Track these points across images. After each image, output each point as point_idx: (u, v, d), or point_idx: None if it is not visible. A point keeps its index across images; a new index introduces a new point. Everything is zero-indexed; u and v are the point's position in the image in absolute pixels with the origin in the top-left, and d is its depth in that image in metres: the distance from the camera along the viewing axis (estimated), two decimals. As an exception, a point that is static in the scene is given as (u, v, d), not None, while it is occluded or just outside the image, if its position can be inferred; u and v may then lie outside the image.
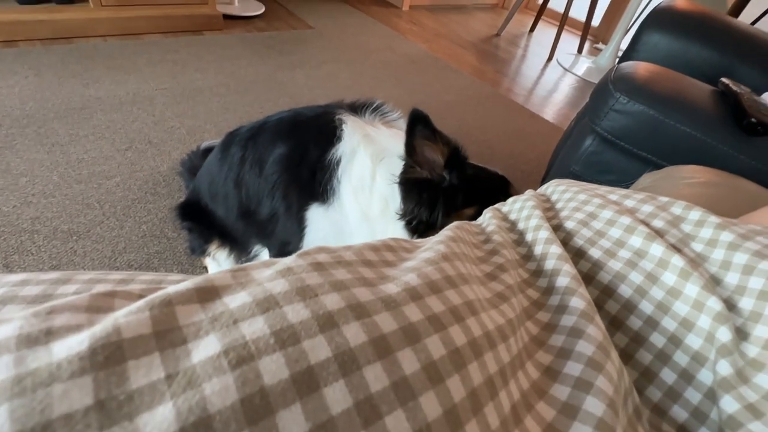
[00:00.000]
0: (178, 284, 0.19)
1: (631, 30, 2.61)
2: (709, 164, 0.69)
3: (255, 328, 0.17)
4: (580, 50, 2.95)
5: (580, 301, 0.28)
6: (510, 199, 0.44)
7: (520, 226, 0.39)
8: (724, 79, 0.90)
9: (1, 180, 1.13)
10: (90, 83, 1.59)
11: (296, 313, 0.18)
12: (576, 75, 2.64)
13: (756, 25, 1.58)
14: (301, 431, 0.15)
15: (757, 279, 0.30)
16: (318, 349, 0.17)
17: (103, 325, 0.16)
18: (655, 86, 0.80)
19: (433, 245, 0.29)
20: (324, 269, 0.22)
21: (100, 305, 0.18)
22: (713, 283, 0.32)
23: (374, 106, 0.85)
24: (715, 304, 0.29)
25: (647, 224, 0.37)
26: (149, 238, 1.09)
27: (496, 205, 0.44)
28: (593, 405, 0.22)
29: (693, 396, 0.28)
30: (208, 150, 1.30)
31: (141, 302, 0.17)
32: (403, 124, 0.85)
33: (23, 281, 0.21)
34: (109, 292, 0.19)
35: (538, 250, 0.34)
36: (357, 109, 0.83)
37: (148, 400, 0.14)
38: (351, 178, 0.73)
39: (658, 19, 1.16)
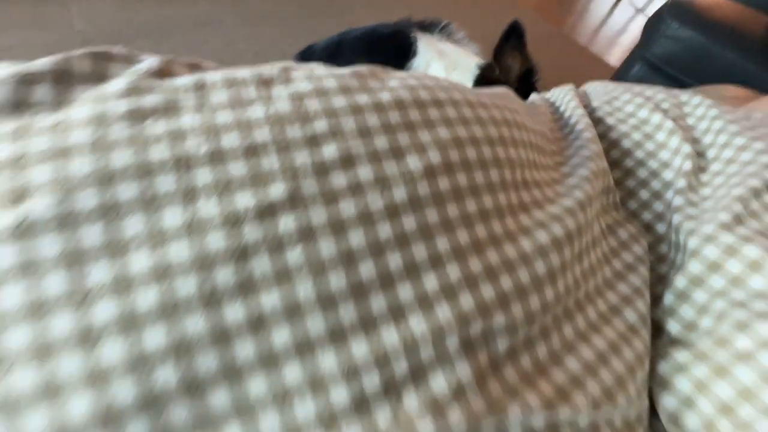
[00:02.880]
0: None
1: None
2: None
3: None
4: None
5: (589, 135, 0.41)
6: (553, 89, 0.52)
7: (560, 106, 0.48)
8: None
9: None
10: (164, 4, 1.73)
11: None
12: (648, 16, 2.46)
13: None
14: None
15: (723, 136, 0.42)
16: None
17: None
18: (708, 13, 0.81)
19: None
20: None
21: None
22: (695, 142, 0.44)
23: (442, 25, 0.92)
24: (687, 149, 0.42)
25: (656, 105, 0.47)
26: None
27: (541, 94, 0.52)
28: (584, 173, 0.36)
29: (659, 206, 0.41)
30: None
31: None
32: (467, 44, 0.92)
33: None
34: None
35: (572, 119, 0.45)
36: (427, 27, 0.90)
37: None
38: None
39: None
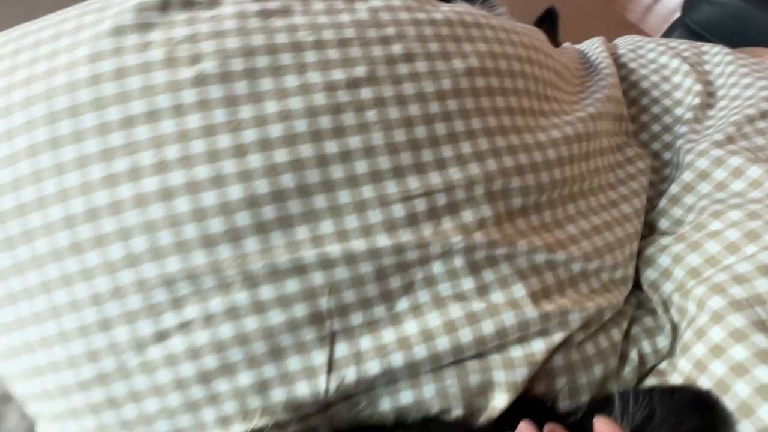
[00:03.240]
0: None
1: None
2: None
3: None
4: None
5: (609, 71, 0.47)
6: (585, 42, 0.58)
7: (588, 53, 0.54)
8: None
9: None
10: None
11: None
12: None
13: None
14: None
15: (733, 78, 0.47)
16: None
17: None
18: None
19: None
20: None
21: None
22: (708, 84, 0.48)
23: None
24: (699, 88, 0.47)
25: (678, 53, 0.51)
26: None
27: (575, 46, 0.59)
28: (599, 96, 0.42)
29: (668, 137, 0.47)
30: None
31: None
32: (506, 20, 0.98)
33: None
34: None
35: (597, 60, 0.51)
36: None
37: None
38: None
39: None
